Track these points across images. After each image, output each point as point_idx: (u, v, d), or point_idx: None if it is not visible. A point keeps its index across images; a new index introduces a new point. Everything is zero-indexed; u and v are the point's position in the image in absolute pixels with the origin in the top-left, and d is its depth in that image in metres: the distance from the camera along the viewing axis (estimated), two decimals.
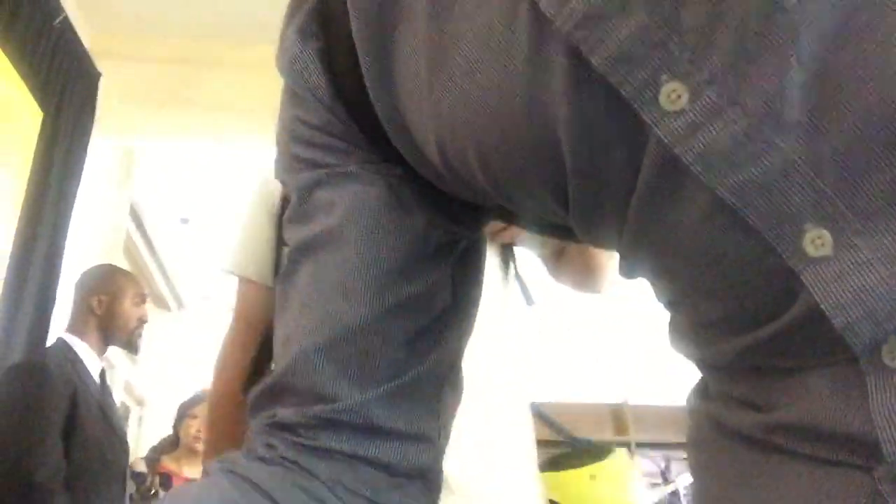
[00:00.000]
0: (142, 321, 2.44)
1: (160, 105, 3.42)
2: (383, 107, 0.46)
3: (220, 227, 4.61)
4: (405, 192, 0.49)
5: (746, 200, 0.33)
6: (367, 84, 0.46)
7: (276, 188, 1.19)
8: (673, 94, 0.33)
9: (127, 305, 2.40)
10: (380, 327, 0.48)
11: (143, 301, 2.50)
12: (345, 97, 0.48)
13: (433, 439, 0.51)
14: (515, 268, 1.19)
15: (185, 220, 4.62)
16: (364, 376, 0.48)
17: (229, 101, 3.11)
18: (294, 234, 0.51)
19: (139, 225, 4.42)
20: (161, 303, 5.20)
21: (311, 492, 0.46)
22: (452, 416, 0.54)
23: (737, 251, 0.35)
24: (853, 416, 0.33)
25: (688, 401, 0.45)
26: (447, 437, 0.53)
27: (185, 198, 4.37)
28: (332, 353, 0.48)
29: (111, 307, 2.37)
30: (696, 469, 0.44)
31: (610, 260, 1.17)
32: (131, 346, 2.46)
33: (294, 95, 0.51)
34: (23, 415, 2.01)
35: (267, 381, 0.51)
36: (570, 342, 5.50)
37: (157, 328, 5.13)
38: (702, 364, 0.43)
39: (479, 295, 0.56)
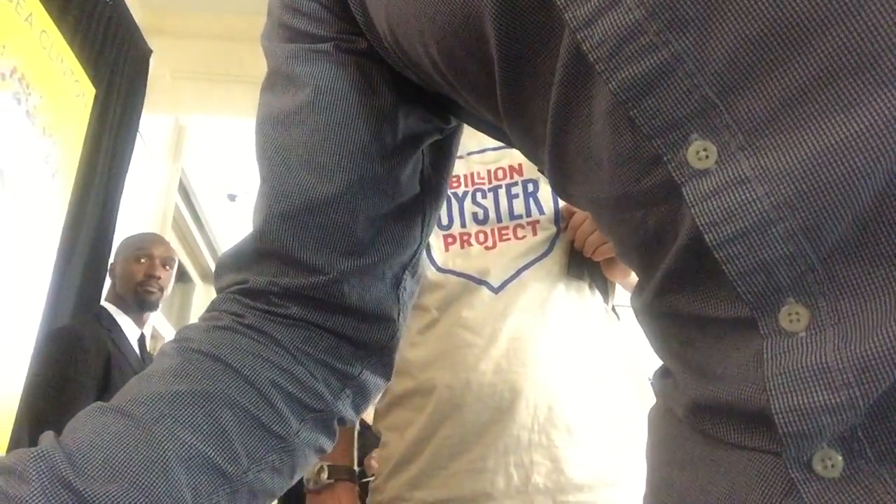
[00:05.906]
0: (148, 276, 2.32)
1: (211, 82, 3.46)
2: None
3: None
4: (375, 74, 0.51)
5: (635, 98, 0.32)
6: None
7: None
8: None
9: (128, 264, 2.36)
10: (345, 203, 0.50)
11: (149, 257, 2.36)
12: None
13: (393, 319, 0.54)
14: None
15: (232, 198, 4.68)
16: (330, 249, 0.50)
17: None
18: (265, 103, 0.54)
19: (188, 201, 4.50)
20: (208, 278, 5.30)
21: (276, 362, 0.48)
22: (411, 301, 0.57)
23: (631, 156, 0.34)
24: (760, 391, 0.31)
25: (653, 380, 0.44)
26: (405, 319, 0.56)
27: (233, 176, 4.42)
28: (299, 223, 0.50)
29: (119, 271, 2.39)
30: (648, 449, 0.43)
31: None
32: (144, 304, 2.33)
33: None
34: (57, 379, 2.06)
35: (237, 246, 0.53)
36: None
37: (203, 302, 5.23)
38: (647, 332, 0.41)
39: (445, 190, 0.59)
